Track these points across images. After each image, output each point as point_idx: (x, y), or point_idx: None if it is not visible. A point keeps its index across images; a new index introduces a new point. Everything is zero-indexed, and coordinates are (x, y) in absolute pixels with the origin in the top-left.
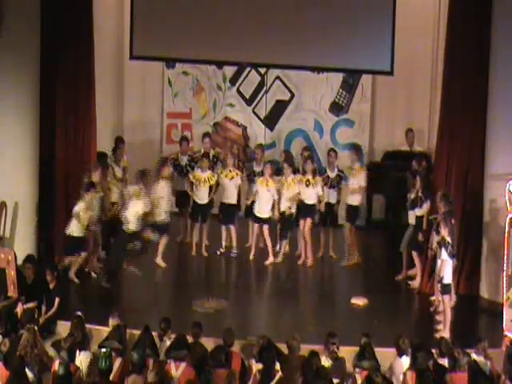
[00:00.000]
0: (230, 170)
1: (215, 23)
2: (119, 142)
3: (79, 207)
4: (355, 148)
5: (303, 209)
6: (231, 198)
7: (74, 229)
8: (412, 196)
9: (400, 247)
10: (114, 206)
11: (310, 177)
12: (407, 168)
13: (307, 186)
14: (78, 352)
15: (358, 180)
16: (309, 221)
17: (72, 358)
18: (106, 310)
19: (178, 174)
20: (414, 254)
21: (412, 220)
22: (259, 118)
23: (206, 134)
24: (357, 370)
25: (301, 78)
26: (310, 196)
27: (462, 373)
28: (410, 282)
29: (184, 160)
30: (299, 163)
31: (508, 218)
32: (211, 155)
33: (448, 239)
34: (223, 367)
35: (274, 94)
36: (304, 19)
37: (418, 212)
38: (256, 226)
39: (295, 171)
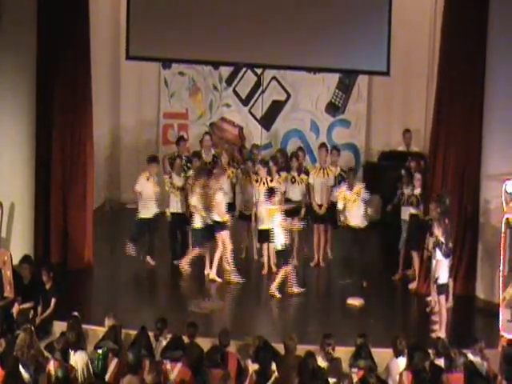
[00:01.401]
0: (226, 169)
1: (211, 24)
2: (152, 160)
3: None
4: (325, 147)
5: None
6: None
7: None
8: (407, 192)
9: (399, 245)
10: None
11: (295, 174)
12: (403, 168)
13: (292, 182)
14: (72, 352)
15: (327, 179)
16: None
17: (66, 358)
18: (103, 310)
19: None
20: (414, 253)
21: (405, 216)
22: (255, 119)
23: (206, 133)
24: (353, 369)
25: (297, 79)
26: (296, 193)
27: (459, 373)
28: (409, 286)
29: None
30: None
31: (504, 219)
32: (211, 154)
33: (442, 239)
34: (219, 367)
35: (270, 94)
36: (300, 20)
37: (414, 210)
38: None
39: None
